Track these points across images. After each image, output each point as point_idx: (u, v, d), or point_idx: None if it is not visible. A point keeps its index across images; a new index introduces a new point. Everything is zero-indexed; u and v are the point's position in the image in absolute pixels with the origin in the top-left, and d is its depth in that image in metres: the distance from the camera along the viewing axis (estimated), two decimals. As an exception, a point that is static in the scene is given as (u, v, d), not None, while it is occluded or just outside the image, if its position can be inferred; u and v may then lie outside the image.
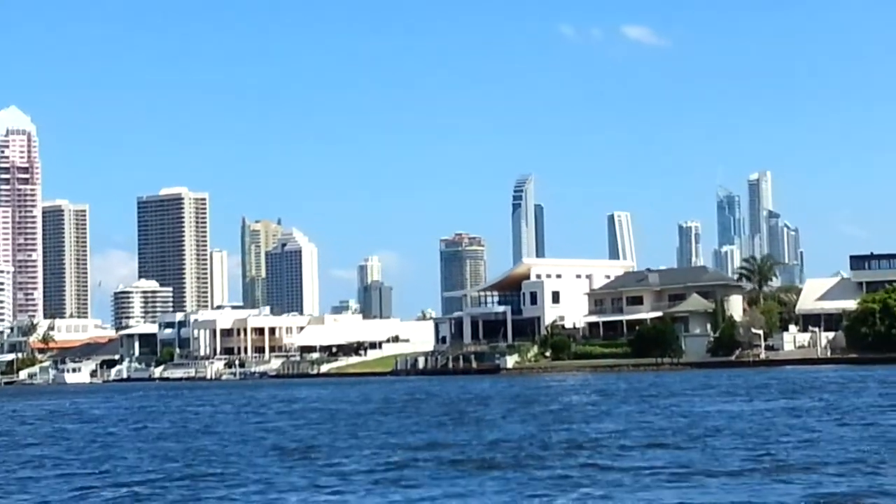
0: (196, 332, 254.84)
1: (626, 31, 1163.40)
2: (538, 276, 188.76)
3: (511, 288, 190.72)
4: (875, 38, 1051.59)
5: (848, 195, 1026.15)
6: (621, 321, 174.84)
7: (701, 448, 40.44)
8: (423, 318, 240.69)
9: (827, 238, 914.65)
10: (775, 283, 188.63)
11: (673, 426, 51.24)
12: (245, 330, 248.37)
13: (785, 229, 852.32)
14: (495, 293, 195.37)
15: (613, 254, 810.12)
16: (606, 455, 38.93)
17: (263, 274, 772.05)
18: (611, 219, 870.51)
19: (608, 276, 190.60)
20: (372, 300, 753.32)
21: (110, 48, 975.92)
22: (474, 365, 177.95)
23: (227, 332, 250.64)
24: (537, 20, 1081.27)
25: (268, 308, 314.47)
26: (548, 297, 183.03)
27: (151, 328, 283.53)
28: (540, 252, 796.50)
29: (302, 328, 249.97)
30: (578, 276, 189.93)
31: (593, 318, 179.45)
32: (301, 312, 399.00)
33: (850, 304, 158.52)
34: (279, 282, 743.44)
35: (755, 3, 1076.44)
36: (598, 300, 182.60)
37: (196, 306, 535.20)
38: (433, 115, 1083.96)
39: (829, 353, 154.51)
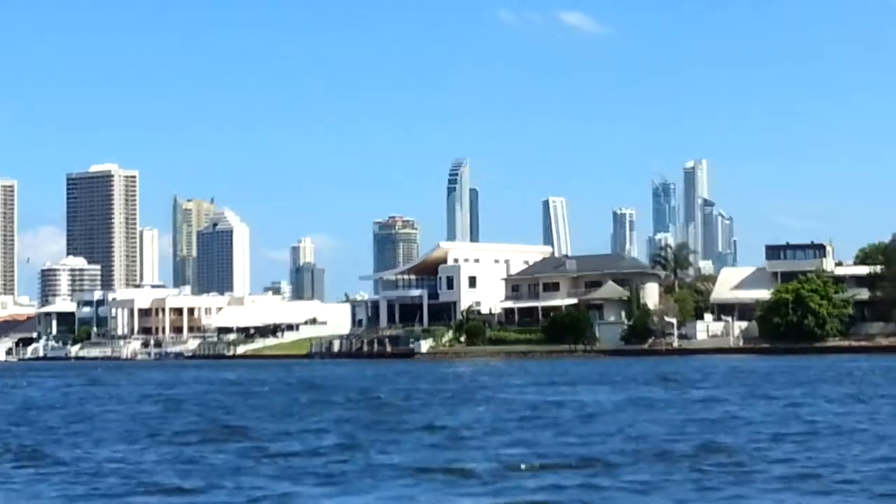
0: (114, 310, 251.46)
1: (564, 17, 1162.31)
2: (455, 261, 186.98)
3: (429, 272, 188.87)
4: (813, 29, 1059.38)
5: (784, 185, 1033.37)
6: (537, 307, 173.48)
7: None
8: (347, 300, 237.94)
9: (762, 228, 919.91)
10: (692, 271, 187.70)
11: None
12: (164, 310, 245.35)
13: (719, 218, 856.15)
14: (413, 277, 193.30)
15: (548, 239, 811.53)
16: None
17: (194, 253, 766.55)
18: (546, 204, 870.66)
19: (527, 262, 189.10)
20: (304, 282, 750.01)
21: (39, 23, 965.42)
22: (388, 349, 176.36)
23: (145, 312, 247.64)
24: (476, 4, 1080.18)
25: (188, 288, 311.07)
26: (464, 282, 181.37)
27: (71, 306, 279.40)
28: (474, 236, 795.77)
29: (221, 309, 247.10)
30: (497, 262, 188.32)
31: (509, 304, 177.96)
32: (232, 293, 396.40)
33: (765, 294, 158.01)
34: (210, 261, 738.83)
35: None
36: (514, 286, 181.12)
37: (125, 285, 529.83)
38: (370, 98, 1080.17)
39: (741, 343, 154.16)
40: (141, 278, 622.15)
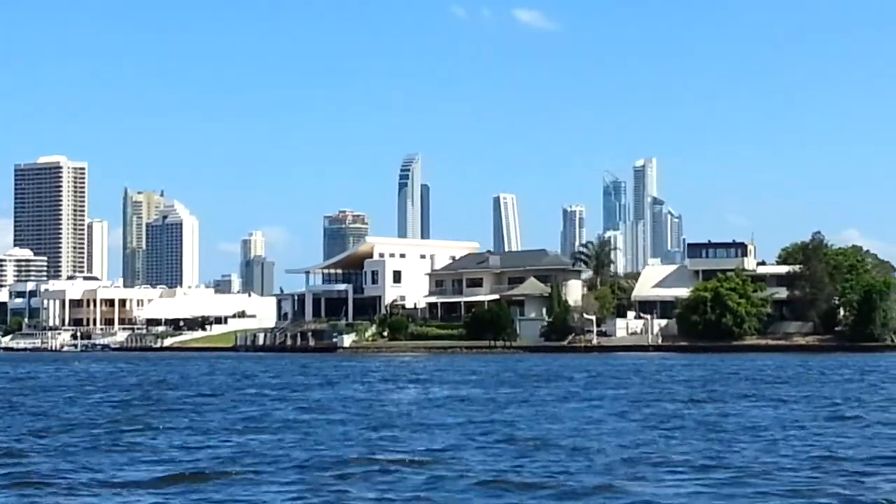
0: (45, 302, 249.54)
1: (517, 13, 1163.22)
2: (381, 256, 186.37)
3: (355, 266, 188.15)
4: (764, 28, 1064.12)
5: (734, 184, 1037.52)
6: (460, 302, 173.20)
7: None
8: (282, 294, 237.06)
9: (712, 226, 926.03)
10: (616, 268, 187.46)
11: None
12: (95, 301, 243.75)
13: (669, 216, 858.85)
14: (339, 271, 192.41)
15: (498, 235, 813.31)
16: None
17: (144, 245, 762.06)
18: (496, 200, 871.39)
19: (453, 258, 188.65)
20: (254, 275, 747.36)
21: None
22: (311, 343, 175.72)
23: (76, 303, 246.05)
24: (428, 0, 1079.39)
25: (121, 280, 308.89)
26: (389, 277, 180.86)
27: (3, 297, 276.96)
28: (425, 232, 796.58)
29: (152, 301, 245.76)
30: (423, 257, 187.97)
31: (433, 299, 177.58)
32: (181, 285, 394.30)
33: (685, 292, 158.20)
34: (159, 254, 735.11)
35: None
36: (438, 281, 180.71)
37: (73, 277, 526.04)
38: (323, 91, 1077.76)
39: (659, 341, 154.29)
40: (90, 270, 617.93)
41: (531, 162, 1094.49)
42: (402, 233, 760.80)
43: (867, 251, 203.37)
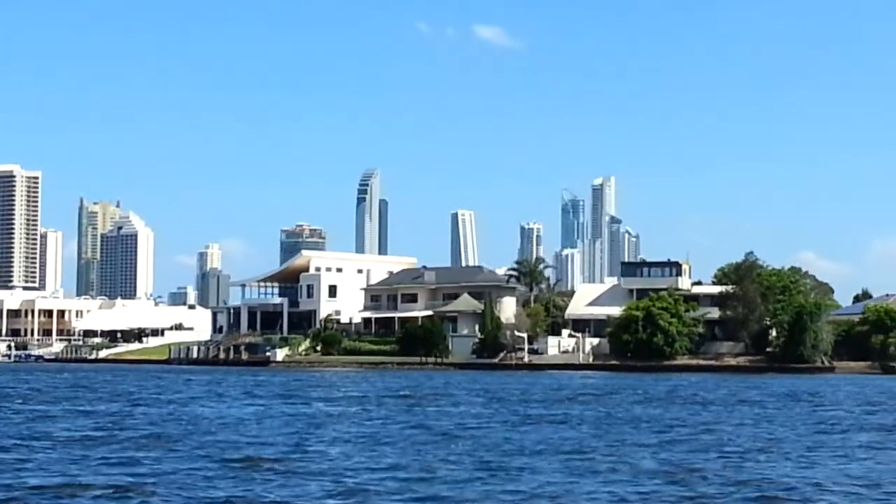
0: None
1: (479, 30, 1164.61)
2: (317, 269, 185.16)
3: (291, 280, 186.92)
4: (725, 47, 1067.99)
5: (696, 203, 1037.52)
6: (394, 318, 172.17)
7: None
8: (217, 307, 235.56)
9: (673, 245, 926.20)
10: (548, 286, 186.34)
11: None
12: (33, 312, 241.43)
13: (626, 235, 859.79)
14: (276, 284, 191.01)
15: (455, 252, 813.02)
16: None
17: (98, 256, 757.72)
18: (455, 217, 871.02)
19: (391, 273, 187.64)
20: (210, 287, 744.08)
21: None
22: (244, 356, 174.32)
23: (14, 313, 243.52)
24: (393, 15, 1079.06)
25: (61, 290, 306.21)
26: (324, 291, 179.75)
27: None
28: (383, 247, 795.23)
29: (90, 312, 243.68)
30: (360, 271, 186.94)
31: (368, 314, 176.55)
32: (135, 297, 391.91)
33: (618, 311, 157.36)
34: (113, 265, 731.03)
35: (605, 9, 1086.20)
36: (374, 296, 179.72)
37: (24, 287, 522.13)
38: (283, 104, 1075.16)
39: (591, 359, 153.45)
40: (42, 281, 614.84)
41: (490, 179, 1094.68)
42: (360, 248, 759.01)
43: (806, 273, 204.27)
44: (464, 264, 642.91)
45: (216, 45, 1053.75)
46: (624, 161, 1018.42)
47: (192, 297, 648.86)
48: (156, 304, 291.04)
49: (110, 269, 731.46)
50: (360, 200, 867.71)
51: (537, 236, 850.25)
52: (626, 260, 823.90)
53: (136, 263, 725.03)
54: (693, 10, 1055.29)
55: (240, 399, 72.76)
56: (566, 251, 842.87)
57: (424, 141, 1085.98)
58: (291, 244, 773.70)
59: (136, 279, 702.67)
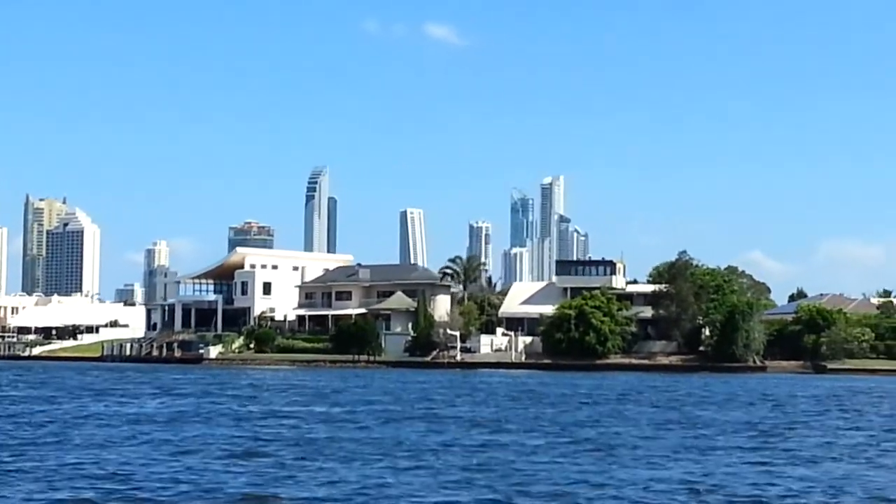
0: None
1: (429, 29, 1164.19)
2: (252, 266, 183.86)
3: (226, 277, 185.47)
4: (674, 45, 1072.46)
5: (644, 203, 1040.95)
6: (328, 316, 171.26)
7: None
8: (151, 303, 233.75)
9: (621, 244, 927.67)
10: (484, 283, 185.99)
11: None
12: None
13: (575, 234, 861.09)
14: (211, 281, 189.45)
15: (404, 250, 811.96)
16: None
17: (45, 253, 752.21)
18: (403, 215, 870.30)
19: (327, 270, 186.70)
20: (157, 285, 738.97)
21: None
22: (177, 354, 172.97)
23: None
24: (342, 13, 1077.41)
25: (2, 289, 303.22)
26: (258, 288, 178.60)
27: None
28: (332, 245, 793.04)
29: (25, 308, 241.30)
30: (296, 269, 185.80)
31: (302, 312, 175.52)
32: (80, 294, 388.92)
33: (552, 310, 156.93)
34: (59, 262, 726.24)
35: (554, 8, 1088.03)
36: (308, 293, 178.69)
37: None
38: (231, 102, 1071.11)
39: (523, 358, 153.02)
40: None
41: (439, 177, 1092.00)
42: (309, 245, 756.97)
43: (743, 272, 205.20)
44: (412, 263, 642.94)
45: (164, 44, 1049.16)
46: (573, 160, 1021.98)
47: (139, 294, 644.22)
48: (93, 301, 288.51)
49: (56, 265, 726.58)
50: (309, 198, 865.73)
51: (486, 235, 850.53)
52: (575, 259, 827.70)
53: (81, 260, 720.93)
54: (641, 8, 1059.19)
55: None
56: (515, 250, 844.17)
57: (373, 139, 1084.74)
58: (239, 241, 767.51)
59: (81, 276, 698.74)
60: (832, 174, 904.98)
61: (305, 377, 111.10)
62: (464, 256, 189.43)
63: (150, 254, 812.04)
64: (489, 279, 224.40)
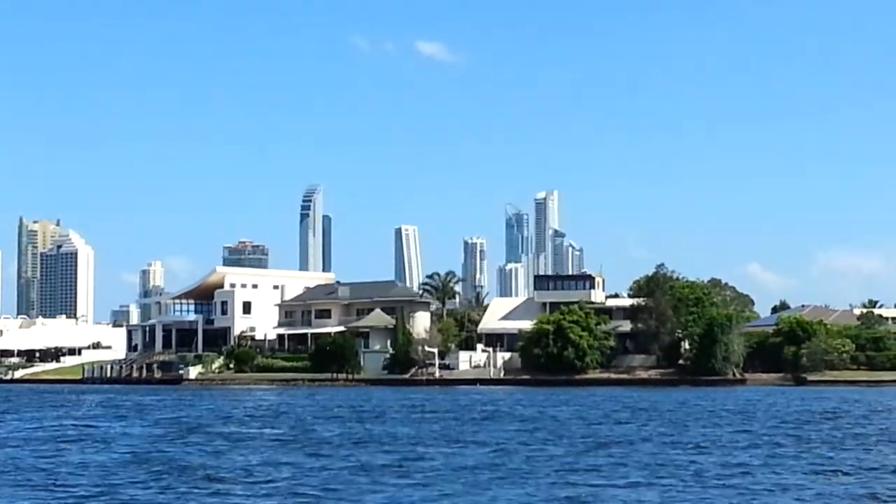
0: None
1: (419, 46, 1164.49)
2: (232, 286, 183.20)
3: (206, 297, 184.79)
4: (668, 60, 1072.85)
5: (637, 217, 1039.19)
6: (308, 334, 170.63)
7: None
8: (132, 324, 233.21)
9: (616, 259, 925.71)
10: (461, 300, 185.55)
11: None
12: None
13: (570, 248, 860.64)
14: (191, 301, 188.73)
15: (399, 267, 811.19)
16: None
17: (39, 276, 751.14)
18: (398, 232, 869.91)
19: (307, 289, 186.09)
20: (152, 305, 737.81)
21: None
22: (156, 375, 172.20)
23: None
24: (331, 31, 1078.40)
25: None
26: (238, 307, 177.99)
27: None
28: (327, 263, 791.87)
29: (9, 331, 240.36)
30: (276, 287, 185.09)
31: (282, 331, 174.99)
32: (75, 316, 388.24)
33: (530, 325, 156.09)
34: (53, 284, 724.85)
35: (545, 24, 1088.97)
36: (288, 312, 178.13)
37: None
38: (225, 121, 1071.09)
39: (502, 374, 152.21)
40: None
41: (433, 194, 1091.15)
42: (304, 264, 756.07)
43: (726, 284, 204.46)
44: (408, 280, 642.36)
45: (154, 64, 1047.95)
46: (567, 175, 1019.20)
47: (134, 315, 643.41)
48: (78, 322, 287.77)
49: (50, 288, 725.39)
50: (304, 217, 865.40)
51: (481, 251, 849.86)
52: (570, 273, 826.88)
53: (76, 282, 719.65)
54: (634, 25, 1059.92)
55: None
56: (510, 265, 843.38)
57: (367, 156, 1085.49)
58: (234, 261, 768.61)
59: (76, 298, 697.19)
60: (827, 185, 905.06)
61: (269, 397, 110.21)
62: (459, 272, 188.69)
63: (145, 275, 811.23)
64: (477, 295, 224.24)
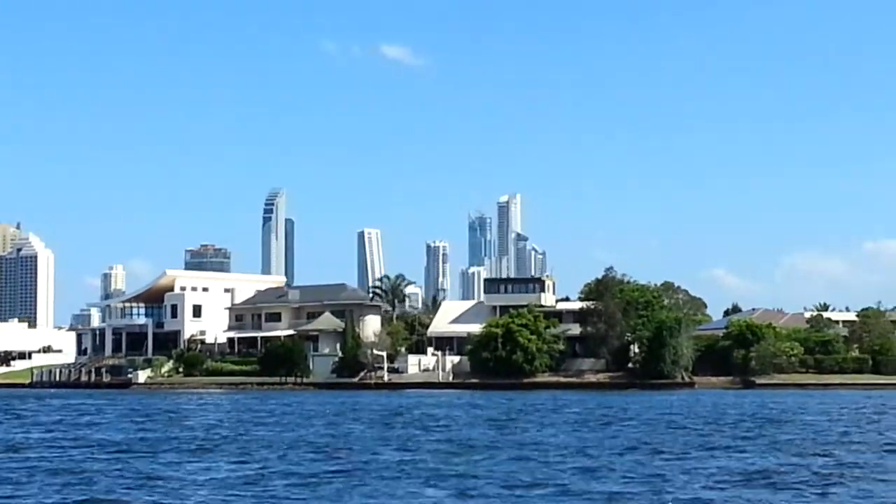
0: None
1: (385, 49, 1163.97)
2: (182, 289, 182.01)
3: (157, 300, 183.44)
4: (632, 64, 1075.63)
5: (601, 221, 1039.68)
6: (258, 338, 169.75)
7: None
8: (81, 328, 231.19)
9: (580, 262, 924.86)
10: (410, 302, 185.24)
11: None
12: None
13: (533, 252, 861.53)
14: (141, 305, 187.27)
15: (362, 270, 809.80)
16: None
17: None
18: (361, 235, 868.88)
19: (259, 291, 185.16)
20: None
21: None
22: (105, 379, 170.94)
23: None
24: (298, 34, 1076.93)
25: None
26: (188, 311, 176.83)
27: None
28: (289, 266, 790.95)
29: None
30: (227, 290, 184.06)
31: (232, 334, 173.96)
32: (34, 320, 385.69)
33: (480, 328, 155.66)
34: (13, 288, 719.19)
35: (509, 28, 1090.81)
36: (238, 315, 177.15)
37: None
38: (187, 123, 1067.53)
39: (451, 378, 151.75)
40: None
41: (397, 197, 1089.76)
42: (266, 268, 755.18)
43: (679, 287, 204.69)
44: (370, 282, 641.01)
45: (117, 65, 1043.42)
46: (530, 178, 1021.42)
47: (95, 318, 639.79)
48: (29, 326, 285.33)
49: (10, 291, 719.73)
50: (266, 220, 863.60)
51: (444, 254, 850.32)
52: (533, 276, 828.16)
53: (36, 286, 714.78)
54: (596, 29, 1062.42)
55: None
56: (473, 269, 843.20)
57: (330, 160, 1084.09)
58: (196, 264, 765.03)
59: (36, 302, 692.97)
60: (792, 189, 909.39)
61: (209, 401, 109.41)
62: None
63: (106, 278, 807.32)
64: (434, 298, 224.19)
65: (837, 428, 63.54)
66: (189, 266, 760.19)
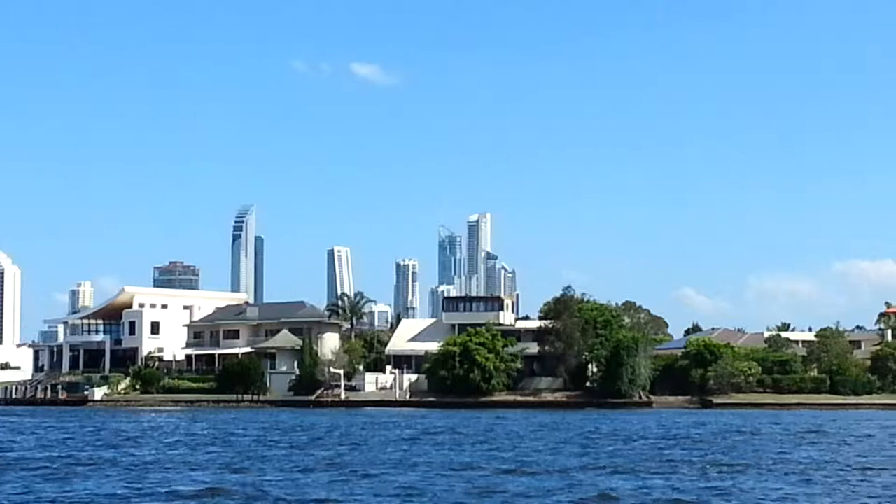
0: None
1: (355, 68, 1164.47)
2: (141, 306, 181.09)
3: (114, 316, 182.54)
4: (602, 81, 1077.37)
5: (571, 240, 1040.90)
6: (215, 355, 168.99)
7: None
8: (37, 345, 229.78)
9: (549, 282, 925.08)
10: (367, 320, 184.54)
11: None
12: None
13: (502, 271, 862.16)
14: (100, 321, 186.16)
15: (332, 288, 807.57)
16: None
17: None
18: (330, 253, 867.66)
19: (218, 309, 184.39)
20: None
21: None
22: (61, 396, 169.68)
23: None
24: (268, 52, 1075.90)
25: None
26: (146, 328, 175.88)
27: None
28: (259, 284, 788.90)
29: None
30: (187, 308, 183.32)
31: (190, 351, 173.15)
32: (1, 336, 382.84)
33: (437, 347, 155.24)
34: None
35: (479, 47, 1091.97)
36: (196, 332, 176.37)
37: None
38: (156, 140, 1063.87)
39: (408, 396, 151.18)
40: None
41: (366, 215, 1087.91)
42: (236, 285, 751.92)
43: (640, 307, 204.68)
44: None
45: (87, 83, 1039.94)
46: (500, 197, 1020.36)
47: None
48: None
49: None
50: (236, 237, 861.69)
51: (413, 272, 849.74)
52: (502, 295, 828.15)
53: (2, 302, 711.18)
54: (565, 46, 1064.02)
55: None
56: (442, 287, 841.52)
57: (300, 178, 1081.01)
58: (164, 281, 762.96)
59: (2, 318, 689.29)
60: (761, 209, 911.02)
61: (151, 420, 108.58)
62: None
63: (74, 294, 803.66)
64: (398, 315, 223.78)
65: (748, 448, 62.75)
66: (158, 283, 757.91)
